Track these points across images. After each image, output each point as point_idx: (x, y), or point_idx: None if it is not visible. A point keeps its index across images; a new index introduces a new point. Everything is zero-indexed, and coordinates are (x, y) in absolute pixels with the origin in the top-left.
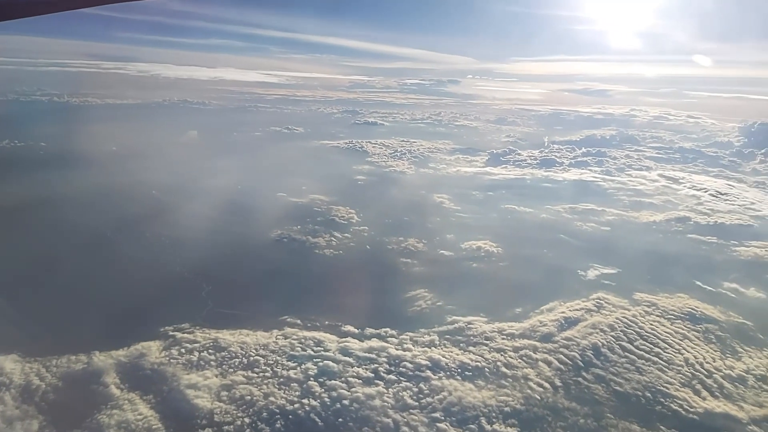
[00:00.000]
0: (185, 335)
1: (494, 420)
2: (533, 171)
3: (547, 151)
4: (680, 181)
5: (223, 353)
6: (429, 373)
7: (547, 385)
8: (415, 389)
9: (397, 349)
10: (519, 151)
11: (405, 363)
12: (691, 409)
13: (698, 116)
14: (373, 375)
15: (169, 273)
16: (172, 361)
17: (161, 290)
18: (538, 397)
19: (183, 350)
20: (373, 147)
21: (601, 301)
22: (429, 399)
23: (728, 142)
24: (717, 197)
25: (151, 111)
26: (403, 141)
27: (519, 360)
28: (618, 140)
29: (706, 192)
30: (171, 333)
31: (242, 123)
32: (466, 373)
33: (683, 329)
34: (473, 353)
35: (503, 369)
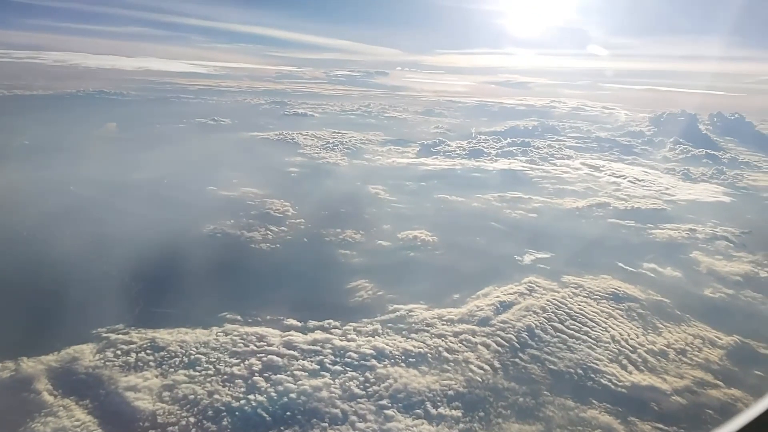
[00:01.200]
0: (120, 336)
1: (439, 404)
2: (463, 161)
3: (474, 141)
4: (601, 168)
5: (162, 353)
6: (374, 361)
7: (487, 367)
8: (362, 378)
9: (341, 340)
10: (448, 142)
11: (350, 353)
12: (620, 383)
13: (612, 107)
14: (318, 367)
15: (95, 273)
16: (107, 363)
17: (88, 291)
18: (480, 379)
19: (119, 352)
20: (305, 138)
21: (533, 285)
22: (375, 387)
23: (640, 132)
24: (634, 183)
25: (65, 102)
26: (334, 132)
27: (459, 344)
28: (540, 130)
29: (624, 179)
30: (104, 335)
31: (165, 114)
32: (410, 359)
33: (608, 308)
34: (415, 340)
35: (445, 354)
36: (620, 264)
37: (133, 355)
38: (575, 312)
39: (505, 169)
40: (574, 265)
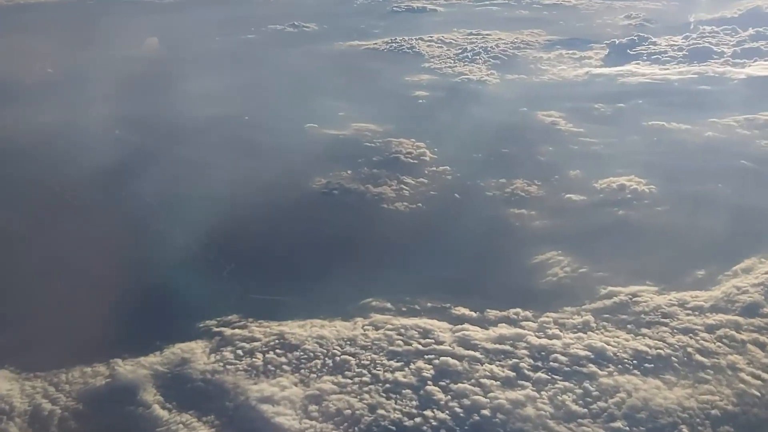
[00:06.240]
0: (237, 331)
1: (699, 428)
2: (681, 67)
3: (695, 36)
4: None
5: (296, 353)
6: (593, 367)
7: (765, 375)
8: (579, 391)
9: (539, 337)
10: (653, 39)
11: (555, 355)
12: None
13: None
14: (514, 374)
15: (177, 249)
16: (228, 366)
17: (178, 273)
18: (757, 393)
19: (240, 351)
20: (429, 46)
21: None
22: (601, 403)
23: None
24: None
25: (82, 10)
26: (470, 34)
27: (718, 343)
28: None
29: None
30: (215, 329)
31: (225, 21)
32: (646, 365)
33: None
34: (649, 337)
35: (698, 357)
36: None
37: (260, 355)
38: None
39: (750, 77)
40: None
